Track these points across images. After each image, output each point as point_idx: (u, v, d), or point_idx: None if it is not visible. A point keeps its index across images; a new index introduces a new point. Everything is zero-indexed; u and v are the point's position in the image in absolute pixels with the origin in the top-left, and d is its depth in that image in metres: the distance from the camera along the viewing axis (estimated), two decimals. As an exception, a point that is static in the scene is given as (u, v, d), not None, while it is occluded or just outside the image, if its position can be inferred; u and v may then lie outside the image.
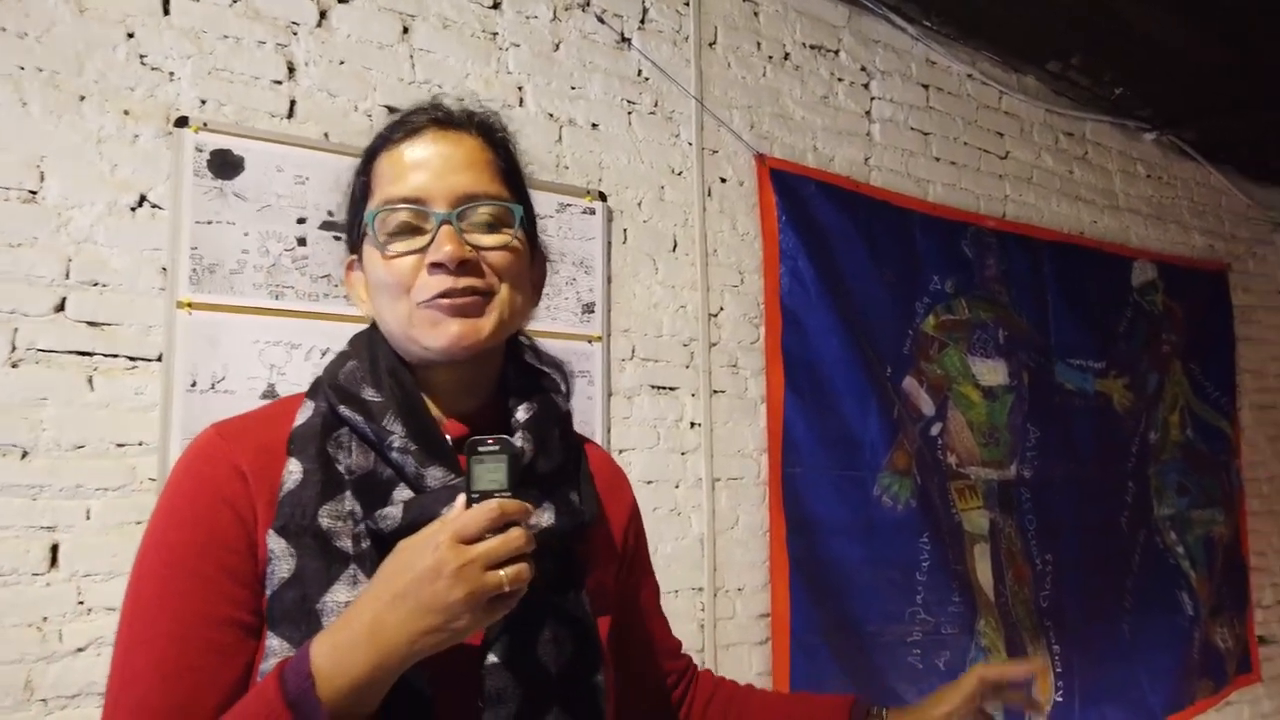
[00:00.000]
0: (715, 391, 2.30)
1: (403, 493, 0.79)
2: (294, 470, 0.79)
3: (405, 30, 1.88)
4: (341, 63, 1.81)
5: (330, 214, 1.73)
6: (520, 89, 2.05)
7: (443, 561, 0.68)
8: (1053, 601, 2.89)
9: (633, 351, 2.17)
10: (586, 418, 2.05)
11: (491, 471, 0.72)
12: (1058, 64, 3.00)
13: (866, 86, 2.68)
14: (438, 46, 1.92)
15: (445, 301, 0.80)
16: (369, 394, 0.82)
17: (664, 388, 2.21)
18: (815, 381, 2.42)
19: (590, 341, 2.08)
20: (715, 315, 2.32)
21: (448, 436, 0.83)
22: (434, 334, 0.81)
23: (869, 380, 2.50)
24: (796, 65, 2.53)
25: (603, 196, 2.13)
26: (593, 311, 2.09)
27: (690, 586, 2.20)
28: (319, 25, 1.78)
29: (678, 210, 2.28)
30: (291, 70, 1.77)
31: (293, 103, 1.76)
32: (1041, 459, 2.93)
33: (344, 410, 0.82)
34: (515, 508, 0.71)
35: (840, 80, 2.62)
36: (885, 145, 2.70)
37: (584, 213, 2.10)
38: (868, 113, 2.67)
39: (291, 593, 0.75)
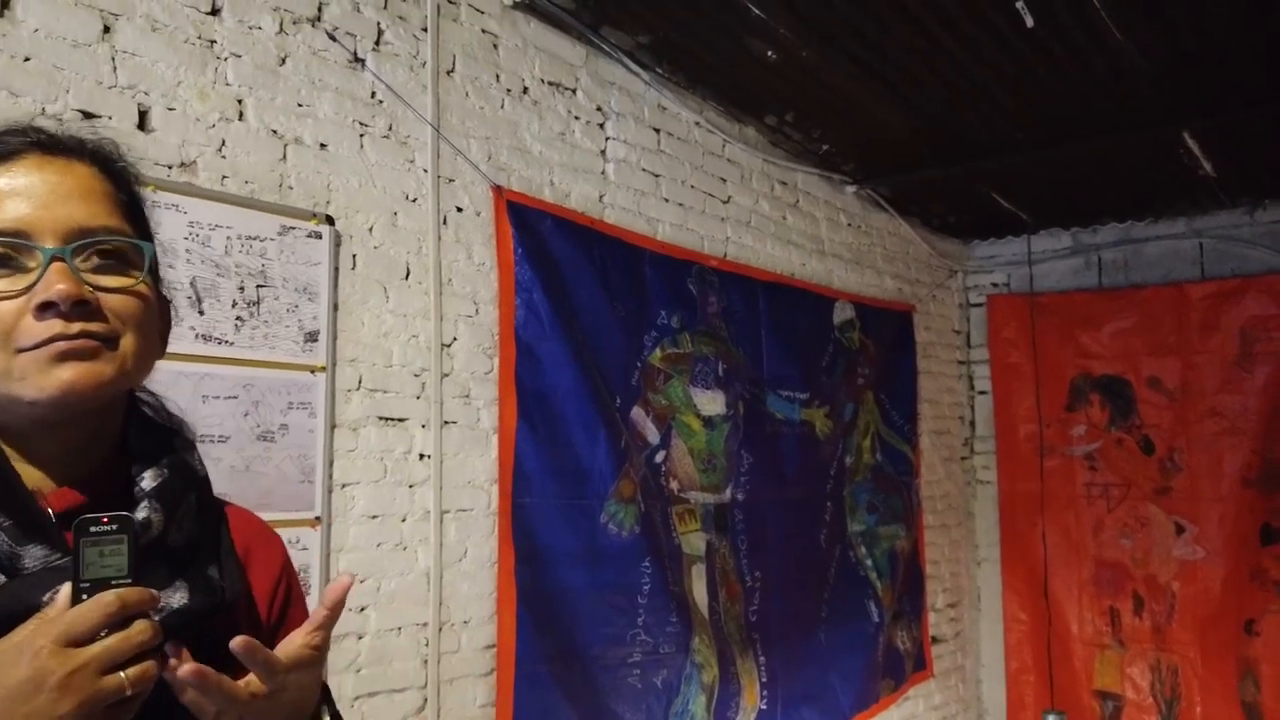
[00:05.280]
0: (447, 423, 2.27)
1: None
2: None
3: (107, 29, 1.71)
4: (27, 59, 1.61)
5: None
6: (240, 102, 1.92)
7: (44, 671, 0.58)
8: (760, 615, 3.11)
9: (359, 382, 2.10)
10: (307, 452, 1.96)
11: (108, 555, 0.63)
12: (774, 118, 3.27)
13: (602, 126, 2.77)
14: (145, 50, 1.77)
15: (57, 344, 0.70)
16: None
17: (393, 419, 2.16)
18: (547, 412, 2.47)
19: (313, 372, 1.99)
20: (449, 345, 2.30)
21: (50, 510, 0.72)
22: (41, 382, 0.69)
23: (598, 411, 2.58)
24: (535, 100, 2.57)
25: (330, 220, 2.05)
26: (316, 340, 2.00)
27: (414, 622, 2.15)
28: (0, 15, 1.58)
29: (411, 237, 2.24)
30: (-38, 61, 1.56)
31: (-38, 98, 1.55)
32: (753, 483, 3.15)
33: None
34: (138, 597, 0.62)
35: (577, 118, 2.69)
36: (619, 184, 2.80)
37: (309, 236, 2.01)
38: (603, 152, 2.77)
39: None
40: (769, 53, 2.74)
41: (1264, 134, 3.29)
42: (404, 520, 2.16)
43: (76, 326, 0.70)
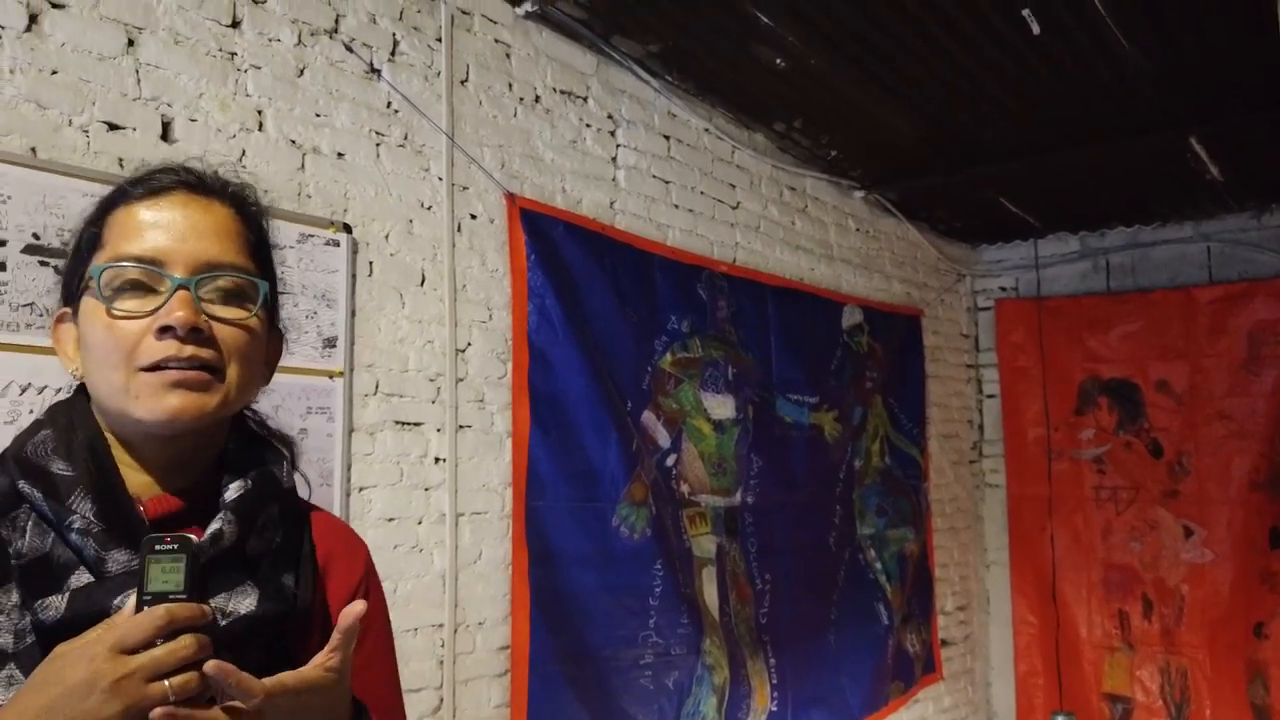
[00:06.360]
0: (461, 427, 2.31)
1: (81, 577, 0.73)
2: None
3: (131, 43, 1.75)
4: (54, 72, 1.65)
5: (36, 236, 1.57)
6: (260, 113, 1.96)
7: (98, 675, 0.63)
8: (770, 618, 3.14)
9: (376, 387, 2.13)
10: (325, 455, 1.99)
11: (168, 572, 0.68)
12: (782, 125, 3.30)
13: (613, 134, 2.81)
14: (168, 63, 1.81)
15: (170, 373, 0.77)
16: (58, 467, 0.76)
17: (408, 423, 2.19)
18: (560, 416, 2.50)
19: (331, 377, 2.02)
20: (463, 351, 2.34)
21: (145, 516, 0.78)
22: (151, 406, 0.77)
23: (610, 415, 2.61)
24: (547, 109, 2.60)
25: (348, 228, 2.09)
26: (334, 346, 2.04)
27: (430, 624, 2.18)
28: (28, 30, 1.62)
29: (427, 245, 2.27)
30: (-8, 74, 1.59)
31: (-8, 111, 1.59)
32: (763, 486, 3.18)
33: (23, 486, 0.76)
34: (188, 613, 0.67)
35: (588, 126, 2.73)
36: (629, 190, 2.83)
37: (327, 244, 2.04)
38: (613, 159, 2.80)
39: None
40: (777, 60, 2.77)
41: (1270, 138, 3.31)
42: (420, 523, 2.19)
43: (189, 350, 0.78)
